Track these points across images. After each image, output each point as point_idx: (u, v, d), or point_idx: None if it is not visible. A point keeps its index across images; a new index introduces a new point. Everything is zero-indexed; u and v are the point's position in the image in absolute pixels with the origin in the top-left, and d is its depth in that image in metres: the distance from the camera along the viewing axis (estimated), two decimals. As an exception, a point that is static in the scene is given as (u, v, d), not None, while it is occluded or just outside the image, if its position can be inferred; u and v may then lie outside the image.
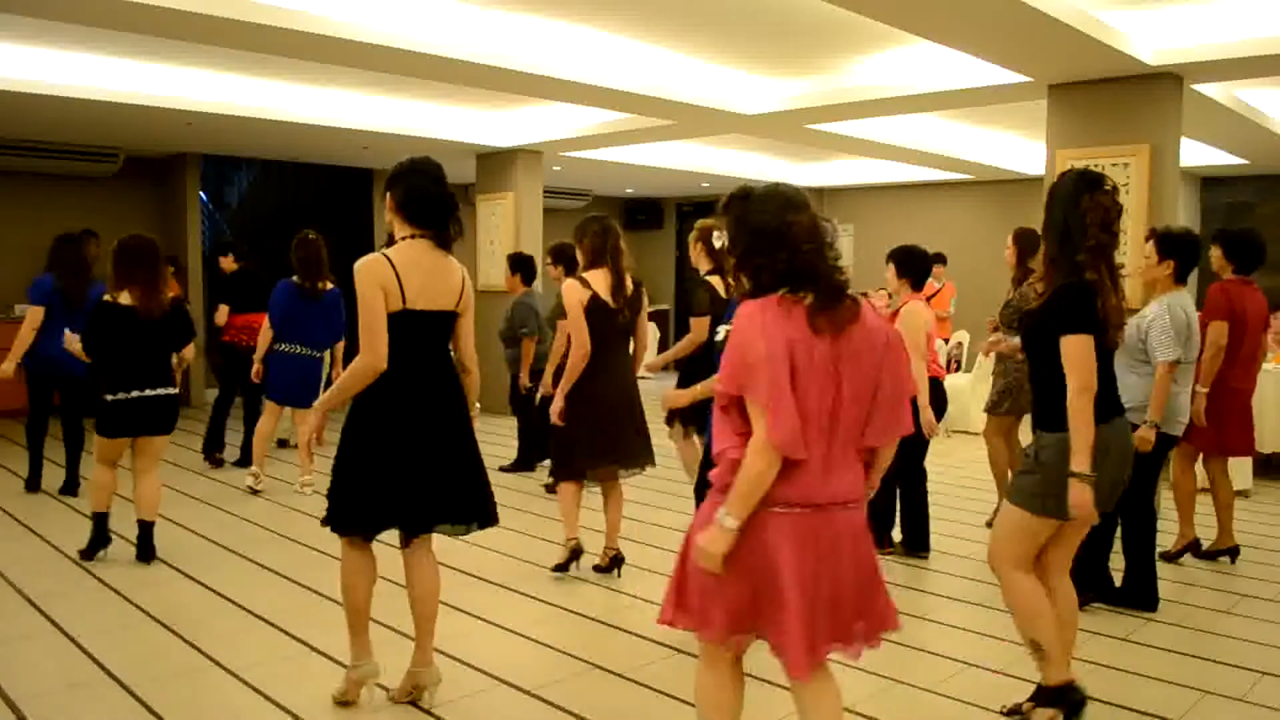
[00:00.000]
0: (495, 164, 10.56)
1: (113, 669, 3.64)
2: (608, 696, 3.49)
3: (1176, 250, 4.42)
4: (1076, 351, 3.02)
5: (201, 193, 11.14)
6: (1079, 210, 3.07)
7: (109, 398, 4.78)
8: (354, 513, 3.24)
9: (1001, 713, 3.36)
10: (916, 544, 5.31)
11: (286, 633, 4.05)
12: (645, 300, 4.86)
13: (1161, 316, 4.31)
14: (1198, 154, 9.69)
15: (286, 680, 3.55)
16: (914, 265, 5.18)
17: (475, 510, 3.35)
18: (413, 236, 3.22)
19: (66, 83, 7.24)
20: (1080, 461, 2.98)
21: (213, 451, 7.58)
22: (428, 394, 3.23)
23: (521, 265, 7.43)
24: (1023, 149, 10.26)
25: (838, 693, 2.42)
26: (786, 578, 2.25)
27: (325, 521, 3.29)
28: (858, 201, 13.96)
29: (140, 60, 6.97)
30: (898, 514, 5.37)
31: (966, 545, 5.53)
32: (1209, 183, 11.93)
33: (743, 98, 7.75)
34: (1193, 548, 5.30)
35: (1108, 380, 3.16)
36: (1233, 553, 5.28)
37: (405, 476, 3.18)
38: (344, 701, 3.35)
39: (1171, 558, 5.22)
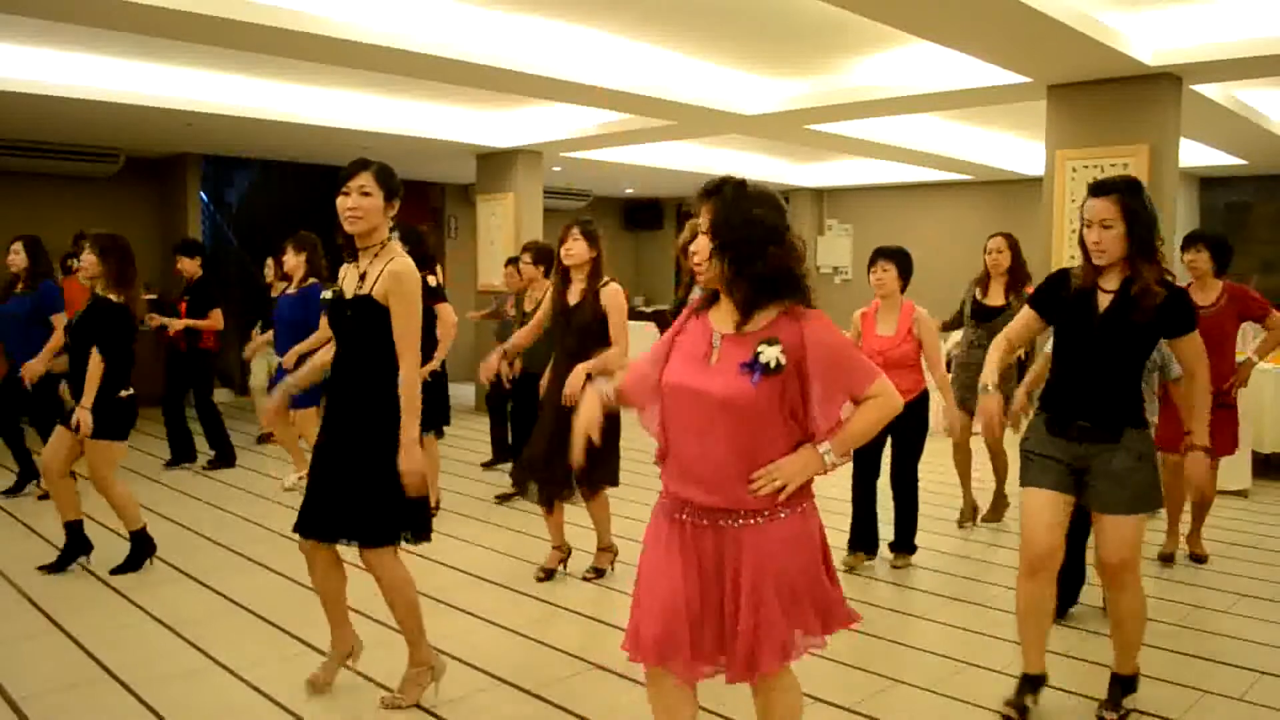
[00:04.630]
0: (495, 164, 10.56)
1: (113, 669, 3.65)
2: (608, 696, 3.49)
3: None
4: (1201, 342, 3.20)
5: (202, 193, 11.14)
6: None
7: (124, 394, 4.63)
8: None
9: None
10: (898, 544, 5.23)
11: (287, 632, 4.05)
12: None
13: None
14: (1196, 154, 9.69)
15: (287, 680, 3.55)
16: None
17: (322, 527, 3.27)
18: None
19: (66, 83, 7.24)
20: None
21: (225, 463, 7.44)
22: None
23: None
24: (1022, 149, 10.26)
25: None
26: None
27: None
28: (858, 201, 13.96)
29: (140, 60, 6.97)
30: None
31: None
32: (1208, 183, 11.93)
33: (743, 98, 7.75)
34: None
35: None
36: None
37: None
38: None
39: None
